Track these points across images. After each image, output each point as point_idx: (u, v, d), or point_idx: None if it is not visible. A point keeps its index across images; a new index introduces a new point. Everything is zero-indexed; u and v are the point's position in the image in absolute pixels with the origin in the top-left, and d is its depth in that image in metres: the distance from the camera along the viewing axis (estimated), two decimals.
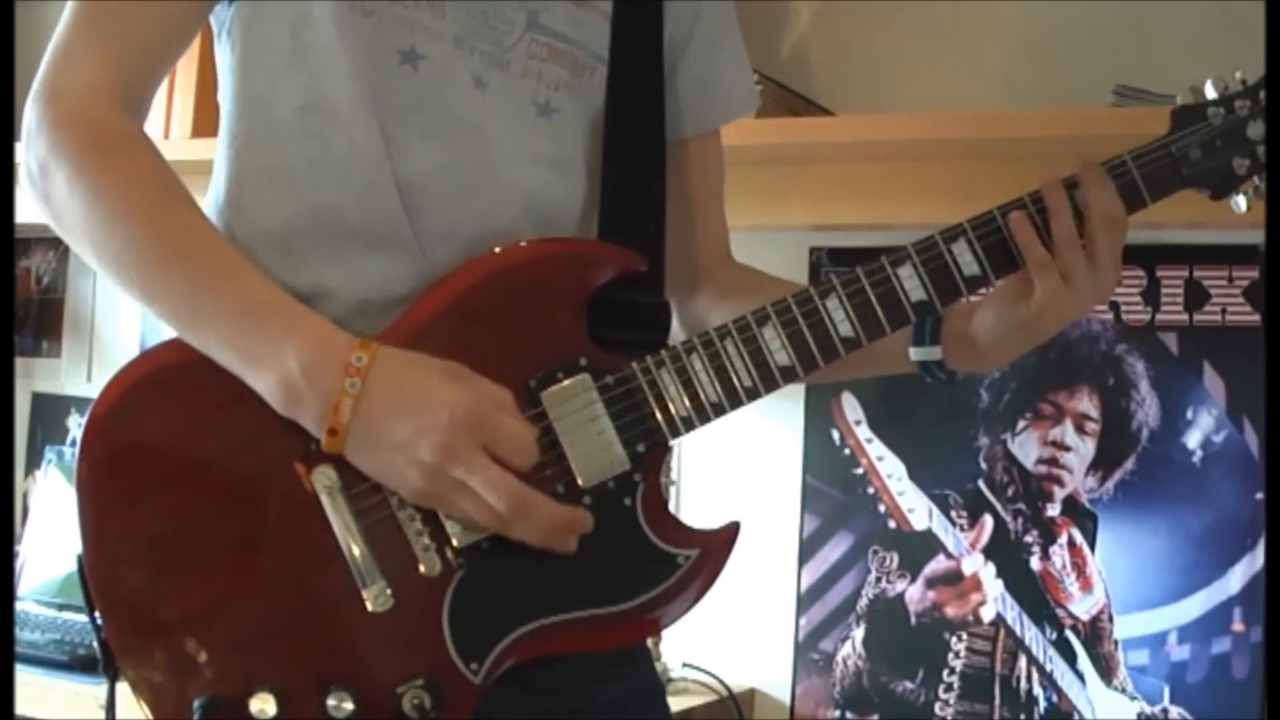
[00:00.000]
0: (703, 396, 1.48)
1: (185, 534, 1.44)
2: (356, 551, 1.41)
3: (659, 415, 1.47)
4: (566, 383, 1.46)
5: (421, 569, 1.42)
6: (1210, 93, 1.56)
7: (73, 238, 1.49)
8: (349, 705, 1.40)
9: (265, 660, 1.41)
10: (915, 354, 1.62)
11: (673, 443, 1.50)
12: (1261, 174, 1.55)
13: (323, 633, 1.42)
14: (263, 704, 1.39)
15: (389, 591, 1.41)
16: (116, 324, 3.71)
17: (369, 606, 1.41)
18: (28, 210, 3.22)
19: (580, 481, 1.45)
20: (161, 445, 1.46)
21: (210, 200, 1.55)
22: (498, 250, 1.49)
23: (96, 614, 1.44)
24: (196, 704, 1.38)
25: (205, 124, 3.05)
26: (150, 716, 1.44)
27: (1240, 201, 1.56)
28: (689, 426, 1.49)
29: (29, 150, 1.49)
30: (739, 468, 2.94)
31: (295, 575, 1.43)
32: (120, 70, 1.50)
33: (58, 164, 1.46)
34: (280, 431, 1.41)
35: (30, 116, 1.49)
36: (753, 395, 1.49)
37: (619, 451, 1.46)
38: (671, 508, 2.85)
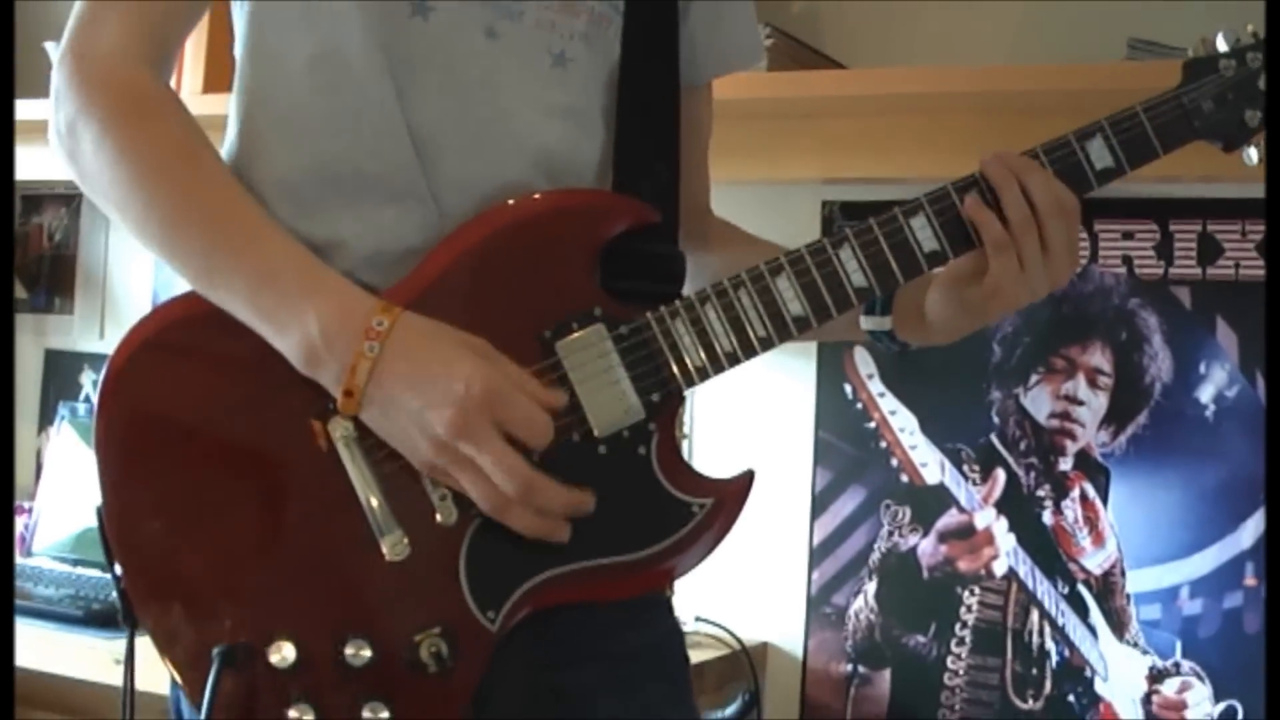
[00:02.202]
0: (717, 346, 1.48)
1: (203, 486, 1.44)
2: (374, 501, 1.41)
3: (674, 365, 1.47)
4: (581, 333, 1.46)
5: (438, 518, 1.42)
6: (1221, 45, 1.55)
7: (99, 196, 1.49)
8: (366, 653, 1.40)
9: (283, 609, 1.42)
10: (866, 323, 1.62)
11: (687, 392, 1.50)
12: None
13: (340, 582, 1.43)
14: (281, 652, 1.40)
15: (406, 541, 1.41)
16: (129, 280, 3.72)
17: (386, 555, 1.41)
18: (39, 167, 3.25)
19: (595, 430, 1.45)
20: (179, 398, 1.46)
21: (225, 153, 1.55)
22: (511, 202, 1.49)
23: (116, 566, 1.45)
24: (215, 652, 1.39)
25: (216, 80, 3.06)
26: (168, 666, 1.45)
27: (1252, 153, 1.56)
28: (703, 376, 1.48)
29: (57, 109, 1.49)
30: (751, 422, 2.95)
31: (312, 525, 1.43)
32: (147, 28, 1.50)
33: (85, 123, 1.46)
34: (298, 384, 1.41)
35: (58, 77, 1.49)
36: (766, 345, 1.49)
37: (634, 400, 1.46)
38: None
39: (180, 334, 1.47)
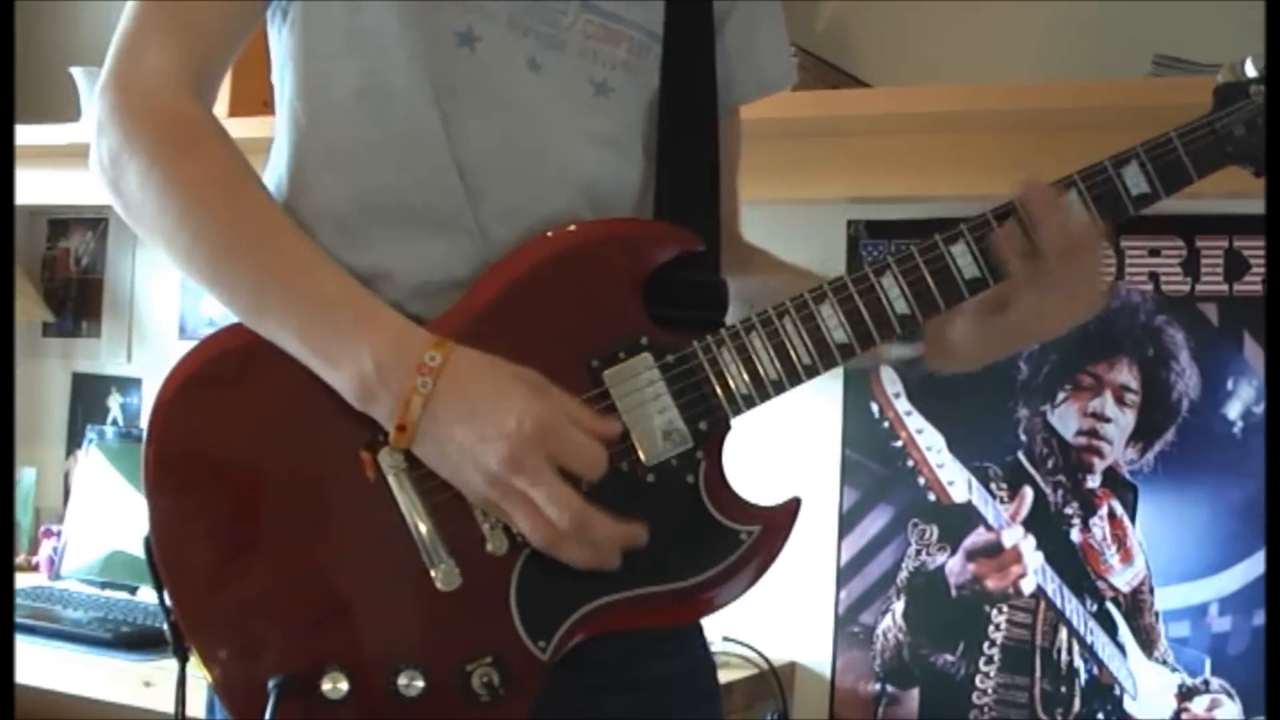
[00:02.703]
0: (763, 374, 1.48)
1: (253, 517, 1.44)
2: (424, 531, 1.41)
3: (720, 393, 1.48)
4: (628, 362, 1.46)
5: (489, 547, 1.42)
6: (1250, 71, 1.56)
7: (144, 229, 1.49)
8: (420, 683, 1.40)
9: (335, 640, 1.42)
10: (895, 351, 1.62)
11: (734, 421, 1.50)
12: None
13: (392, 612, 1.43)
14: (334, 683, 1.40)
15: (457, 570, 1.41)
16: (156, 303, 3.73)
17: (438, 585, 1.41)
18: (66, 191, 3.26)
19: (644, 459, 1.45)
20: (228, 428, 1.46)
21: (271, 183, 1.55)
22: (555, 232, 1.49)
23: (166, 596, 1.44)
24: (271, 684, 1.38)
25: (242, 103, 3.06)
26: (220, 696, 1.45)
27: None
28: (750, 404, 1.49)
29: (100, 140, 1.48)
30: (779, 441, 2.94)
31: (364, 555, 1.43)
32: (190, 58, 1.50)
33: (131, 155, 1.46)
34: (347, 414, 1.41)
35: (101, 107, 1.49)
36: (811, 373, 1.49)
37: (682, 429, 1.46)
38: None
39: (229, 365, 1.47)
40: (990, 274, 1.51)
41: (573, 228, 1.50)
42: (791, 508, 1.50)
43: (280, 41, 1.57)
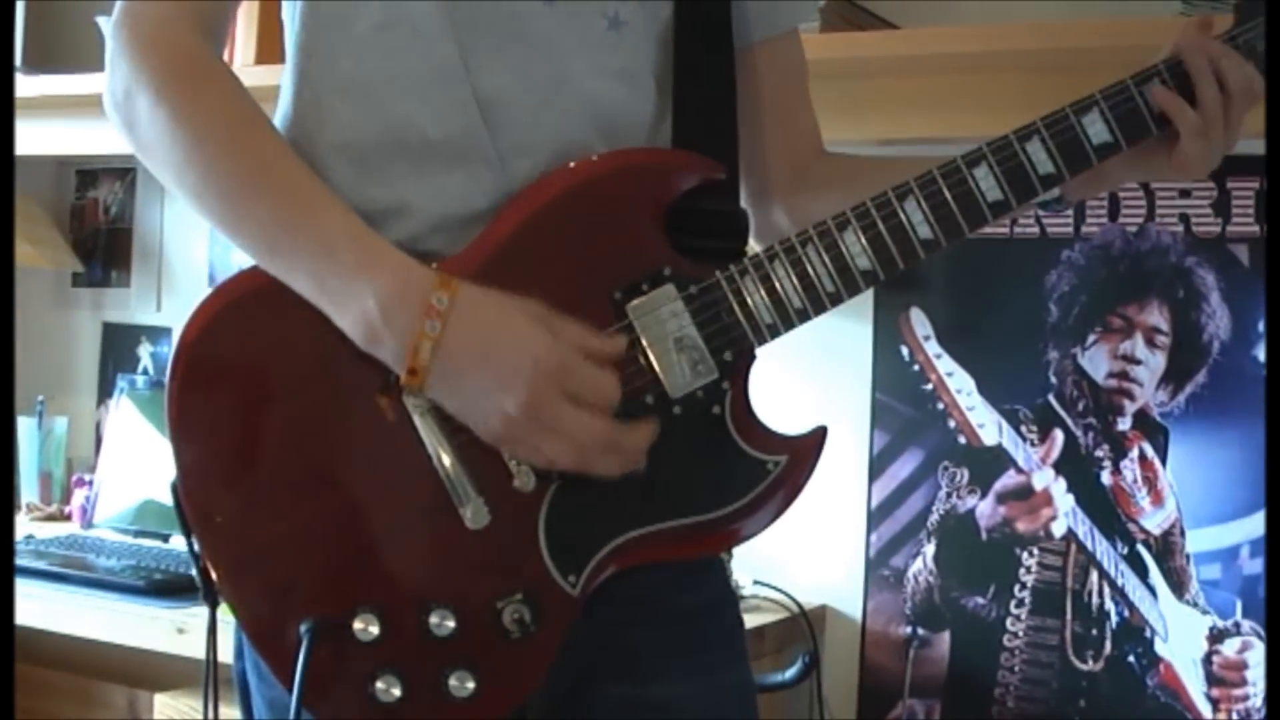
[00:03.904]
0: (787, 302, 1.48)
1: (279, 459, 1.45)
2: (451, 469, 1.41)
3: (745, 323, 1.48)
4: (652, 293, 1.46)
5: (516, 484, 1.42)
6: None
7: (154, 164, 1.49)
8: (451, 622, 1.41)
9: (365, 581, 1.42)
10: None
11: (758, 350, 1.50)
12: None
13: (421, 551, 1.44)
14: (365, 624, 1.40)
15: (485, 508, 1.42)
16: (185, 252, 3.73)
17: (467, 523, 1.41)
18: (93, 141, 3.27)
19: (670, 391, 1.45)
20: (251, 369, 1.46)
21: (282, 116, 1.55)
22: (574, 164, 1.49)
23: (194, 541, 1.45)
24: (304, 628, 1.39)
25: (269, 51, 3.06)
26: (251, 641, 1.46)
27: None
28: (774, 333, 1.49)
29: (112, 77, 1.48)
30: (808, 385, 2.94)
31: (391, 496, 1.43)
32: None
33: (140, 88, 1.45)
34: (369, 356, 1.41)
35: (112, 45, 1.49)
36: (835, 300, 1.49)
37: (708, 359, 1.46)
38: None
39: (249, 307, 1.46)
40: (1013, 196, 1.51)
41: (593, 158, 1.50)
42: (818, 436, 1.51)
43: None
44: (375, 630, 1.41)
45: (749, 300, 1.48)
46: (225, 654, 1.54)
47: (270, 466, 1.45)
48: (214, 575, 1.44)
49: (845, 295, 1.50)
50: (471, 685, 1.41)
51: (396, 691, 1.41)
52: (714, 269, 1.48)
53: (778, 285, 1.48)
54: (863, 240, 1.49)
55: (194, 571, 1.46)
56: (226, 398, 1.46)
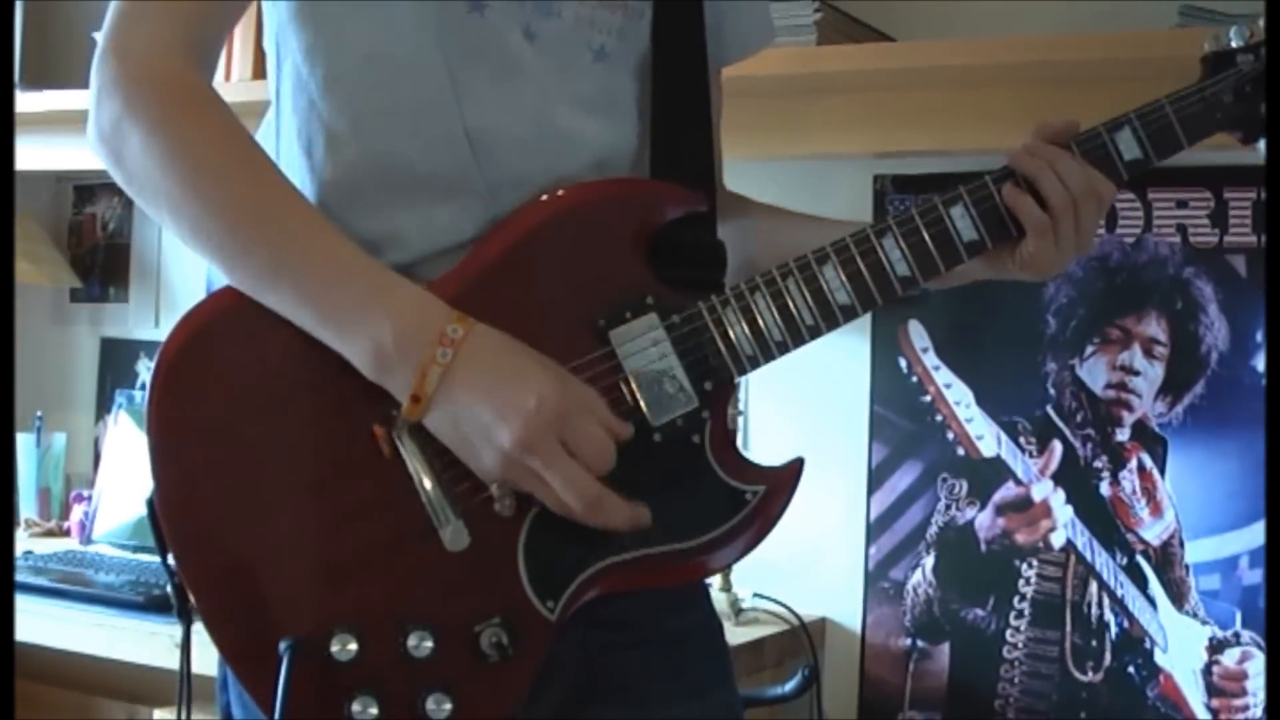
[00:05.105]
0: (767, 334, 1.49)
1: (257, 477, 1.43)
2: (432, 491, 1.40)
3: (726, 353, 1.48)
4: (634, 321, 1.46)
5: (496, 508, 1.42)
6: (1235, 41, 1.58)
7: (146, 198, 1.46)
8: (429, 644, 1.40)
9: (342, 601, 1.41)
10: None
11: (738, 380, 1.51)
12: None
13: (400, 573, 1.43)
14: (343, 644, 1.39)
15: (465, 530, 1.41)
16: (183, 267, 3.73)
17: (446, 545, 1.41)
18: (91, 156, 3.26)
19: (650, 419, 1.45)
20: (231, 385, 1.45)
21: (269, 149, 1.54)
22: (560, 191, 1.49)
23: (170, 557, 1.44)
24: (283, 646, 1.38)
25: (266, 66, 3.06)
26: (227, 659, 1.45)
27: (1262, 147, 1.60)
28: (754, 364, 1.49)
29: (99, 109, 1.45)
30: (806, 398, 2.95)
31: (371, 516, 1.43)
32: (188, 26, 1.47)
33: (133, 123, 1.43)
34: (353, 374, 1.40)
35: (98, 77, 1.46)
36: (815, 333, 1.51)
37: (688, 389, 1.46)
38: (740, 439, 2.87)
39: (233, 322, 1.45)
40: (988, 236, 1.54)
41: (579, 186, 1.50)
42: (794, 468, 1.51)
43: (275, 10, 1.55)
44: (353, 649, 1.40)
45: (730, 331, 1.48)
46: (209, 668, 1.54)
47: (248, 484, 1.43)
48: (190, 592, 1.44)
49: (824, 329, 1.51)
50: (449, 707, 1.41)
51: (374, 711, 1.40)
52: (695, 299, 1.49)
53: (758, 317, 1.49)
54: (842, 275, 1.51)
55: (169, 587, 1.46)
56: (204, 415, 1.45)
